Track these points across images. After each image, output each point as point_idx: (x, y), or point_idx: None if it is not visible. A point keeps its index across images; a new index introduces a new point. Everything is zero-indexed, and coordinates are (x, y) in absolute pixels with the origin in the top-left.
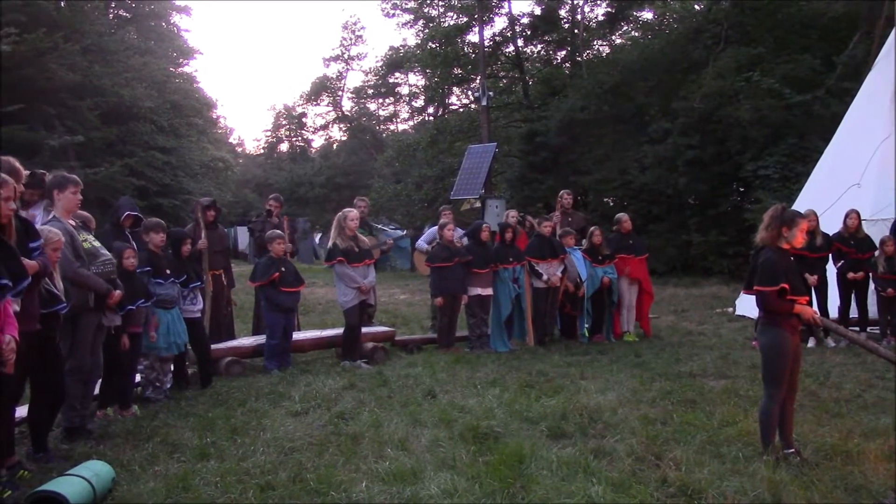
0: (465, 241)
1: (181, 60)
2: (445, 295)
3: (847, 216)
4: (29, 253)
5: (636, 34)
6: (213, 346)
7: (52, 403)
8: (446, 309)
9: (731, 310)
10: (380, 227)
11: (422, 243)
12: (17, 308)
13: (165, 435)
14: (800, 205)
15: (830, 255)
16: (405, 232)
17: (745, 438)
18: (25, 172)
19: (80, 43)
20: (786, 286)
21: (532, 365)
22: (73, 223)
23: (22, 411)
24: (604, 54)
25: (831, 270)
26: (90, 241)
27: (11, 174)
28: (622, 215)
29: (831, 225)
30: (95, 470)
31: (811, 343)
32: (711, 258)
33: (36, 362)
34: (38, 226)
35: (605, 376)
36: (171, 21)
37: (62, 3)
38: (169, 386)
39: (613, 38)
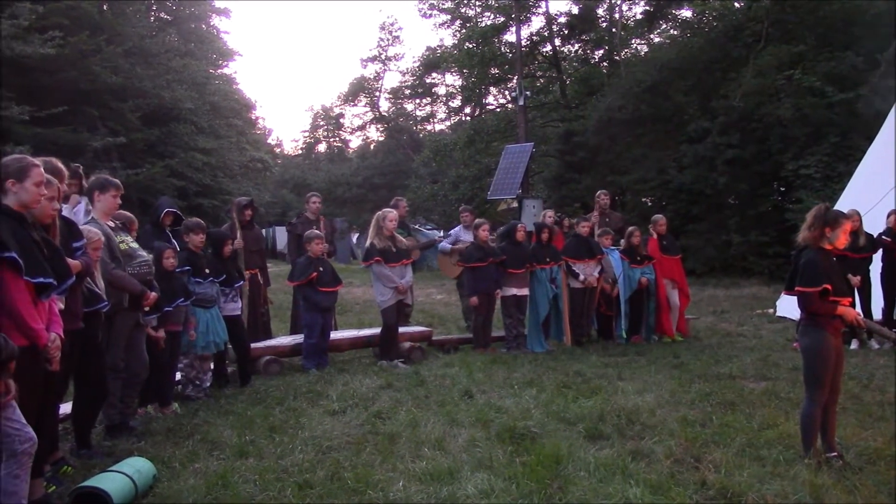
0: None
1: (221, 62)
2: (480, 294)
3: (890, 215)
4: (72, 252)
5: (675, 33)
6: (252, 345)
7: (95, 400)
8: (481, 308)
9: (771, 311)
10: (416, 227)
11: (445, 245)
12: (62, 306)
13: (205, 433)
14: (842, 204)
15: (879, 254)
16: (441, 233)
17: (786, 441)
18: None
19: (123, 45)
20: (828, 287)
21: (569, 365)
22: (112, 224)
23: (66, 408)
24: (642, 53)
25: (875, 271)
26: (127, 242)
27: (54, 175)
28: (657, 217)
29: (874, 225)
30: (137, 466)
31: (854, 345)
32: (751, 258)
33: (79, 360)
34: (80, 216)
35: (643, 377)
36: (211, 23)
37: (105, 7)
38: (209, 384)
39: (652, 36)
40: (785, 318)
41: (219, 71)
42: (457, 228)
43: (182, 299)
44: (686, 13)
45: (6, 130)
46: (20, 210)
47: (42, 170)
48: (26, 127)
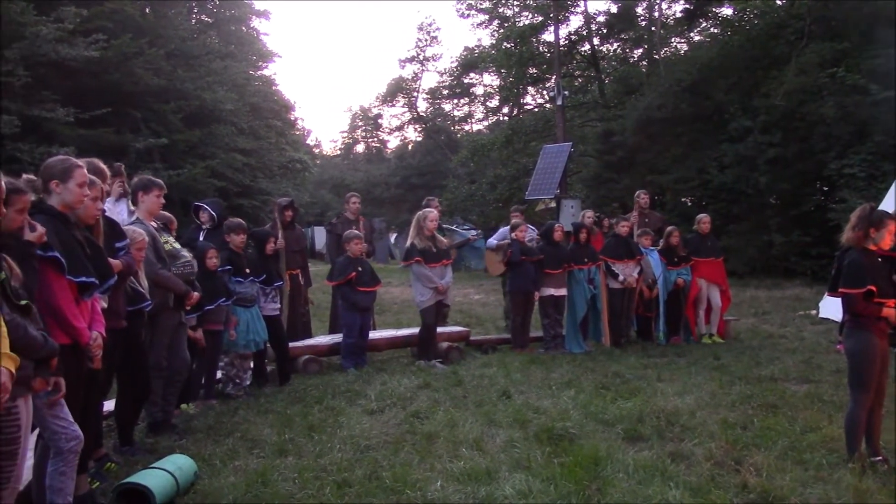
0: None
1: (260, 64)
2: (518, 293)
3: None
4: (115, 252)
5: (715, 31)
6: (291, 345)
7: (138, 398)
8: (519, 308)
9: (814, 312)
10: (454, 227)
11: (492, 241)
12: (105, 305)
13: (245, 431)
14: (887, 204)
15: None
16: (478, 232)
17: (830, 445)
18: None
19: (165, 48)
20: (873, 288)
21: (608, 366)
22: (155, 225)
23: (109, 406)
24: (682, 52)
25: None
26: (171, 242)
27: (97, 175)
28: (702, 216)
29: None
30: (179, 464)
31: None
32: (794, 259)
33: (122, 358)
34: (124, 215)
35: (682, 379)
36: (251, 25)
37: (147, 10)
38: (248, 383)
39: (692, 35)
40: (828, 319)
41: (258, 72)
42: (506, 228)
43: (223, 299)
44: (727, 11)
45: (51, 132)
46: (64, 210)
47: (85, 171)
48: (71, 128)
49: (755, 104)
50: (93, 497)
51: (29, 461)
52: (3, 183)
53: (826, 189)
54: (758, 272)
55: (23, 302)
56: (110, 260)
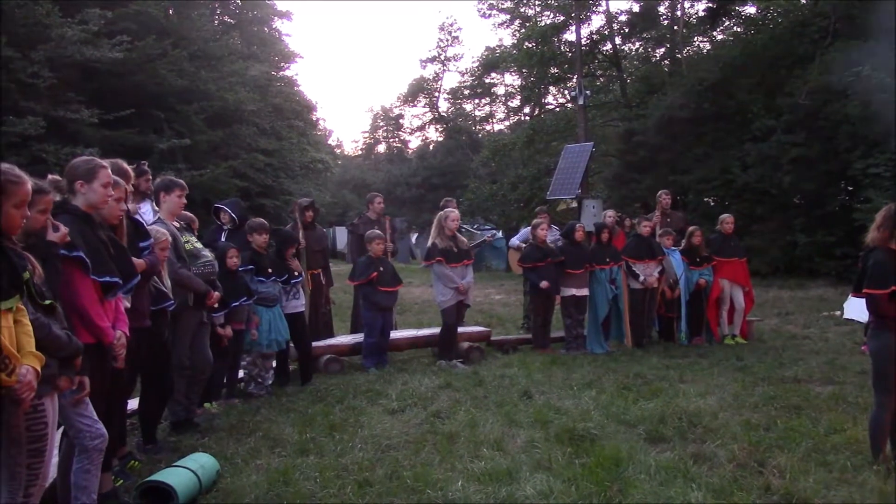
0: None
1: (283, 64)
2: (539, 296)
3: None
4: (139, 252)
5: (738, 29)
6: (313, 344)
7: (161, 397)
8: (540, 309)
9: (838, 313)
10: (471, 229)
11: (515, 241)
12: (129, 305)
13: (267, 430)
14: None
15: None
16: (494, 233)
17: (854, 447)
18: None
19: (188, 49)
20: None
21: (629, 367)
22: (177, 225)
23: (133, 404)
24: (704, 51)
25: None
26: (192, 242)
27: (121, 176)
28: (725, 216)
29: None
30: (201, 462)
31: None
32: (818, 259)
33: (146, 357)
34: (148, 216)
35: (705, 380)
36: (273, 26)
37: (171, 11)
38: (270, 382)
39: (714, 33)
40: (852, 320)
41: (281, 73)
42: (528, 228)
43: (245, 298)
44: (750, 9)
45: (76, 133)
46: (88, 210)
47: (109, 171)
48: (95, 129)
49: (779, 103)
50: (116, 495)
51: (54, 459)
52: (29, 185)
53: (851, 189)
54: (781, 272)
55: (47, 301)
56: (133, 259)
